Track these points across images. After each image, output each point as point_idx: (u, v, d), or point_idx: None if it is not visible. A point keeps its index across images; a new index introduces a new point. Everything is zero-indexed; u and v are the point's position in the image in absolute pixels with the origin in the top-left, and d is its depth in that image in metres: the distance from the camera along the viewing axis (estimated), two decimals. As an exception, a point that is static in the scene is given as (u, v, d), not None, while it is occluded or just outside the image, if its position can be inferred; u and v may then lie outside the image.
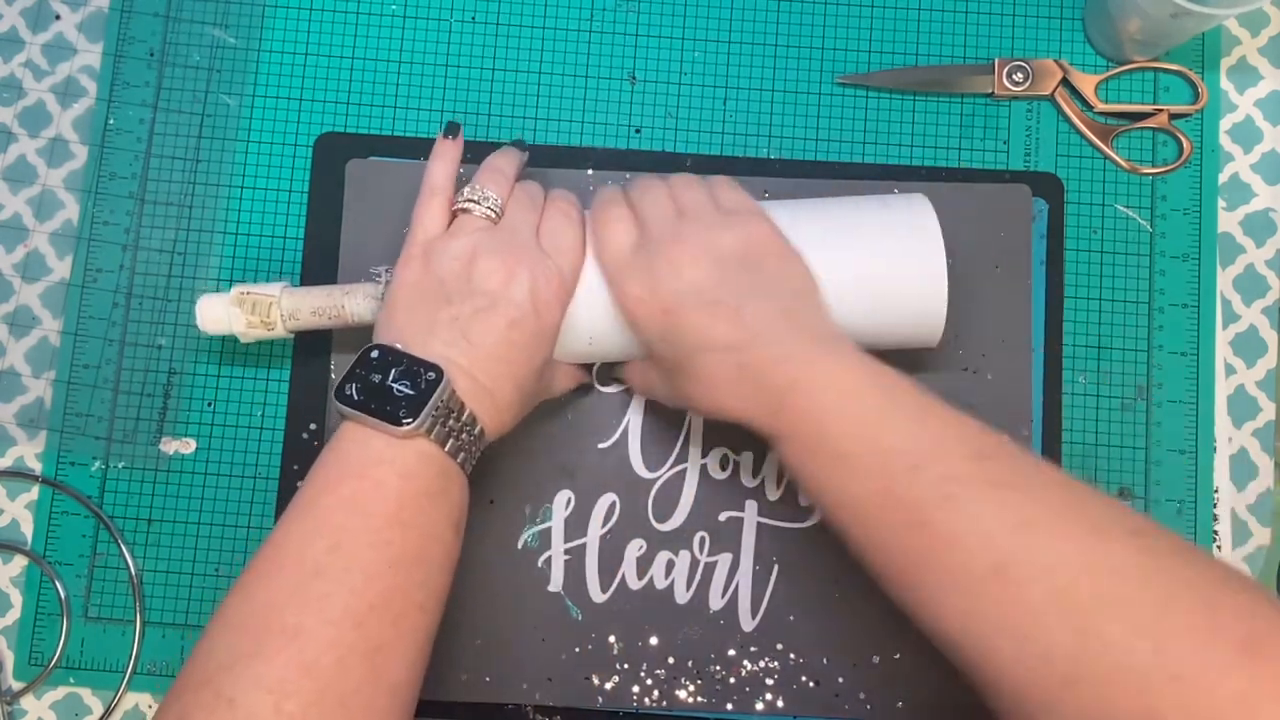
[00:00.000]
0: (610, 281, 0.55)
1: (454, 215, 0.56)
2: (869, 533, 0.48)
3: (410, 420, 0.48)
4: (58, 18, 0.68)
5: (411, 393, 0.49)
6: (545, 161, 0.66)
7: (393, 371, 0.50)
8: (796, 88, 0.68)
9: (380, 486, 0.48)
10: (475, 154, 0.66)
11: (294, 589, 0.46)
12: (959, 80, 0.67)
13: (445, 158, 0.57)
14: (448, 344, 0.51)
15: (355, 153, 0.66)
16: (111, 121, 0.67)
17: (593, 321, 0.56)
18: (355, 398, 0.49)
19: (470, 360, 0.51)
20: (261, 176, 0.67)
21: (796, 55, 0.68)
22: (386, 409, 0.49)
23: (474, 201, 0.55)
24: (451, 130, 0.58)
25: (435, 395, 0.49)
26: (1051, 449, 0.64)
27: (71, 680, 0.63)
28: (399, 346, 0.51)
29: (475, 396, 0.51)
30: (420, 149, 0.66)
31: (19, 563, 0.64)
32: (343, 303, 0.58)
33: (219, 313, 0.58)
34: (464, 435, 0.50)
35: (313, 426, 0.64)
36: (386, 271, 0.58)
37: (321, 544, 0.47)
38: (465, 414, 0.50)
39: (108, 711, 0.63)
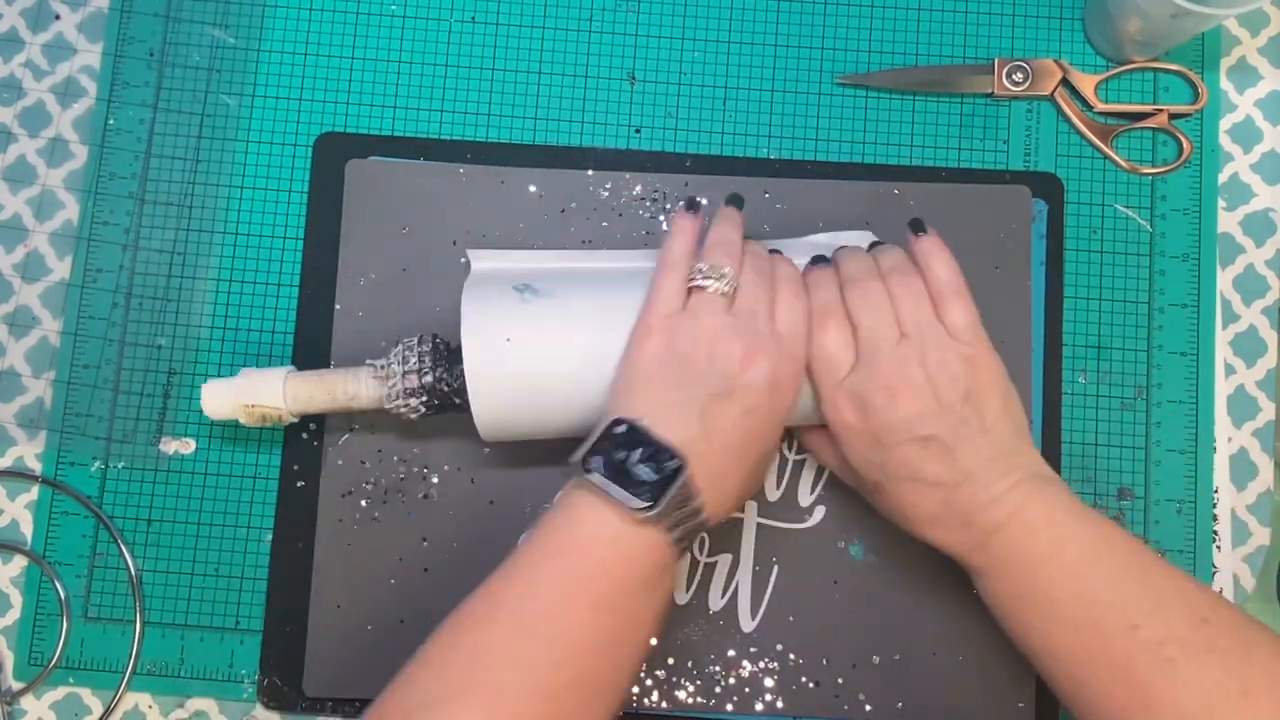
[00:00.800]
0: (823, 398, 0.54)
1: (690, 291, 0.54)
2: (1077, 685, 0.48)
3: (650, 508, 0.48)
4: (57, 18, 0.68)
5: (654, 478, 0.49)
6: (545, 162, 0.67)
7: (636, 452, 0.49)
8: (796, 88, 0.68)
9: (603, 566, 0.49)
10: (475, 154, 0.66)
11: (502, 644, 0.47)
12: (959, 80, 0.67)
13: (685, 233, 0.56)
14: (686, 426, 0.50)
15: (355, 153, 0.66)
16: (111, 121, 0.67)
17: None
18: (599, 471, 0.49)
19: (707, 446, 0.51)
20: (261, 176, 0.67)
21: (796, 55, 0.68)
22: (627, 490, 0.49)
23: (711, 279, 0.53)
24: (692, 206, 0.57)
25: (676, 486, 0.49)
26: (1051, 449, 0.64)
27: (71, 680, 0.63)
28: (644, 424, 0.50)
29: (707, 484, 0.51)
30: (420, 149, 0.67)
31: (19, 563, 0.64)
32: (348, 406, 0.58)
33: (225, 409, 0.58)
34: (689, 522, 0.50)
35: (312, 426, 0.64)
36: (384, 363, 0.57)
37: (537, 606, 0.48)
38: (696, 502, 0.50)
39: (107, 711, 0.63)
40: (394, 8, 0.68)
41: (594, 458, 0.49)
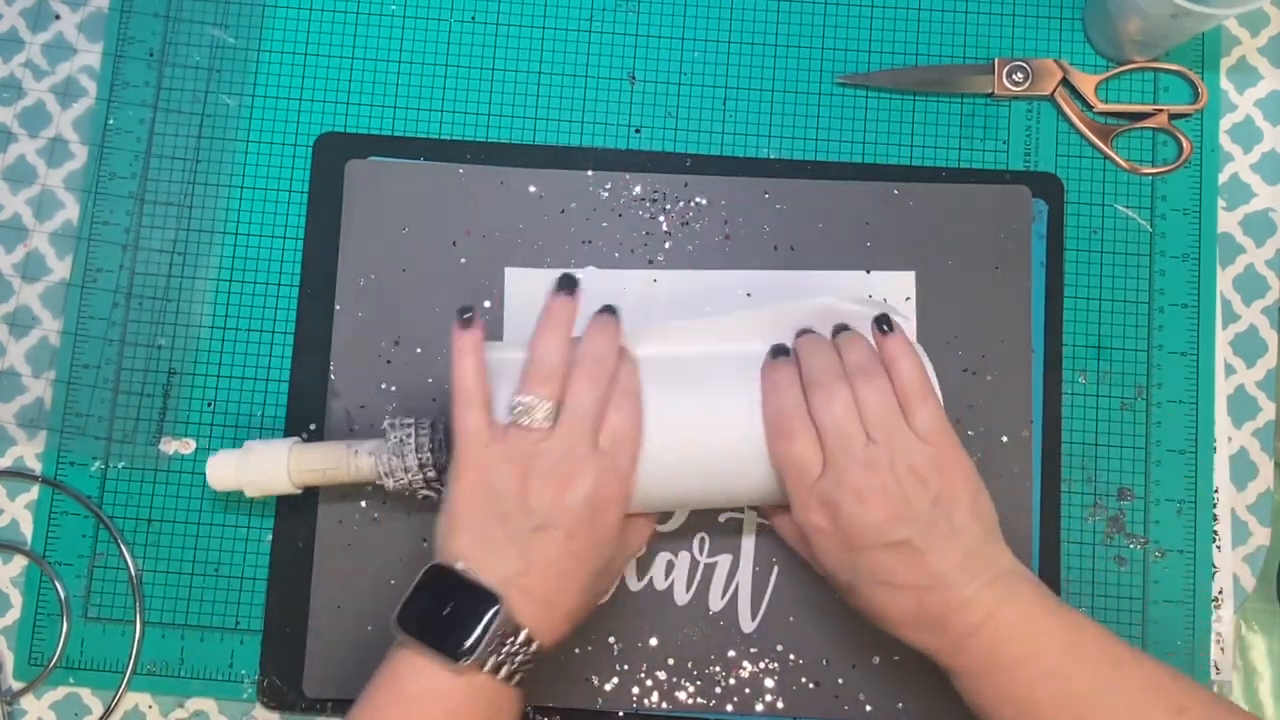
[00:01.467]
0: (794, 503, 0.53)
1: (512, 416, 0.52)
2: None
3: (466, 655, 0.48)
4: (57, 18, 0.68)
5: (469, 623, 0.49)
6: (545, 162, 0.67)
7: (452, 598, 0.50)
8: (796, 88, 0.68)
9: None
10: (475, 154, 0.66)
11: None
12: (959, 80, 0.67)
13: (468, 353, 0.53)
14: (506, 563, 0.50)
15: (355, 153, 0.66)
16: (111, 121, 0.67)
17: (685, 476, 0.55)
18: (414, 624, 0.50)
19: (529, 579, 0.50)
20: (261, 176, 0.67)
21: (796, 55, 0.68)
22: (444, 640, 0.49)
23: (525, 417, 0.51)
24: (565, 286, 0.54)
25: (492, 628, 0.49)
26: (1051, 449, 0.64)
27: (71, 680, 0.63)
28: (460, 568, 0.50)
29: (534, 615, 0.50)
30: (420, 149, 0.67)
31: (19, 563, 0.64)
32: (354, 479, 0.59)
33: (229, 484, 0.59)
34: (520, 656, 0.50)
35: (312, 427, 0.64)
36: (386, 448, 0.57)
37: None
38: (522, 636, 0.50)
39: (108, 711, 0.63)
40: (394, 8, 0.68)
41: (410, 609, 0.50)
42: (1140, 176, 0.66)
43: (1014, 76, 0.67)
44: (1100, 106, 0.67)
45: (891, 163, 0.67)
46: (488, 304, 0.65)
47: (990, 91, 0.67)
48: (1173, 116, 0.67)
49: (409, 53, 0.68)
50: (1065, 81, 0.67)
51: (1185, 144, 0.66)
